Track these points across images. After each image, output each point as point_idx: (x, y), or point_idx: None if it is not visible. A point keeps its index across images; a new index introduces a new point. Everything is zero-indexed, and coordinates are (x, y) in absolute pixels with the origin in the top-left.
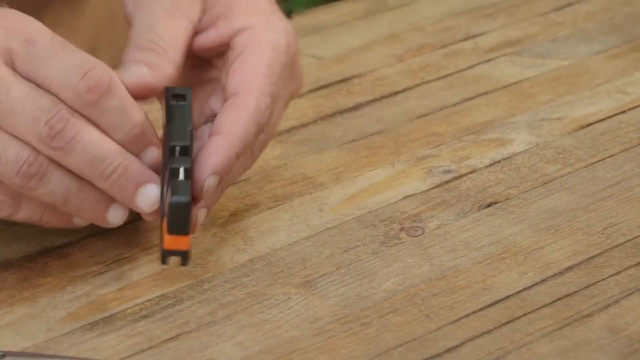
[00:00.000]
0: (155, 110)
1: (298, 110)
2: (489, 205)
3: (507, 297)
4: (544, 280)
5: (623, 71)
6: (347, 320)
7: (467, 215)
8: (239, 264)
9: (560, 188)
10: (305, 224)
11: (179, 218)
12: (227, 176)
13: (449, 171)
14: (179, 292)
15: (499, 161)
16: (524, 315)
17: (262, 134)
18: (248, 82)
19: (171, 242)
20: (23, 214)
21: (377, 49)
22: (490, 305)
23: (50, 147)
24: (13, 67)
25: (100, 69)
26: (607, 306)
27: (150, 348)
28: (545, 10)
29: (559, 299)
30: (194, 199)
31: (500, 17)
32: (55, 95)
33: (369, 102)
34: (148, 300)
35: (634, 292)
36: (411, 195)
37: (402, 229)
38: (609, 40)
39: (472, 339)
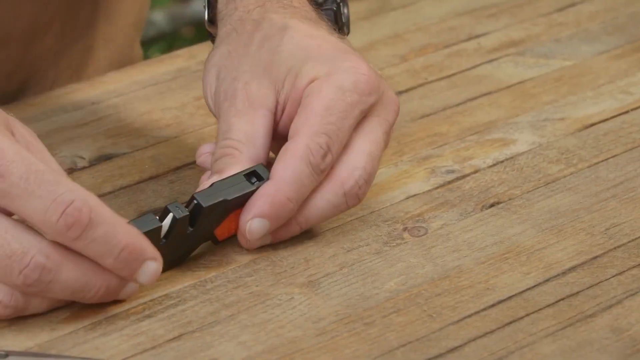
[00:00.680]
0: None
1: None
2: (492, 205)
3: (510, 297)
4: (547, 280)
5: (626, 71)
6: (350, 320)
7: (470, 216)
8: (242, 264)
9: (563, 188)
10: None
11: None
12: (277, 220)
13: (452, 171)
14: (182, 292)
15: (502, 161)
16: (527, 315)
17: (360, 175)
18: (301, 126)
19: None
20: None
21: (380, 48)
22: (493, 306)
23: (28, 293)
24: None
25: (78, 201)
26: (610, 306)
27: (153, 348)
28: (548, 11)
29: (562, 299)
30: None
31: (503, 17)
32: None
33: None
34: (151, 300)
35: (636, 292)
36: (414, 195)
37: (405, 229)
38: (612, 41)
39: (474, 339)
